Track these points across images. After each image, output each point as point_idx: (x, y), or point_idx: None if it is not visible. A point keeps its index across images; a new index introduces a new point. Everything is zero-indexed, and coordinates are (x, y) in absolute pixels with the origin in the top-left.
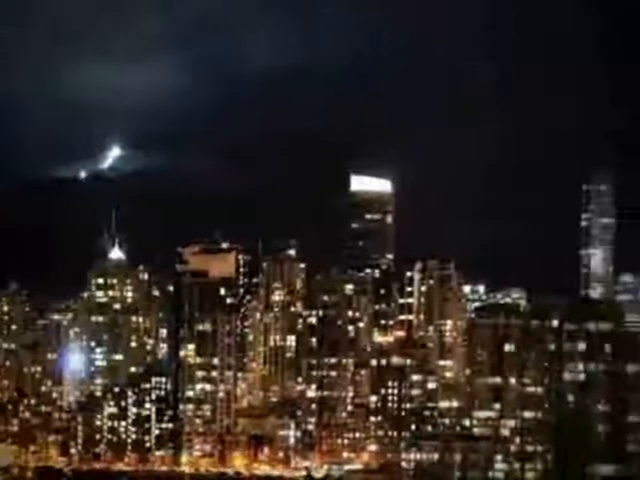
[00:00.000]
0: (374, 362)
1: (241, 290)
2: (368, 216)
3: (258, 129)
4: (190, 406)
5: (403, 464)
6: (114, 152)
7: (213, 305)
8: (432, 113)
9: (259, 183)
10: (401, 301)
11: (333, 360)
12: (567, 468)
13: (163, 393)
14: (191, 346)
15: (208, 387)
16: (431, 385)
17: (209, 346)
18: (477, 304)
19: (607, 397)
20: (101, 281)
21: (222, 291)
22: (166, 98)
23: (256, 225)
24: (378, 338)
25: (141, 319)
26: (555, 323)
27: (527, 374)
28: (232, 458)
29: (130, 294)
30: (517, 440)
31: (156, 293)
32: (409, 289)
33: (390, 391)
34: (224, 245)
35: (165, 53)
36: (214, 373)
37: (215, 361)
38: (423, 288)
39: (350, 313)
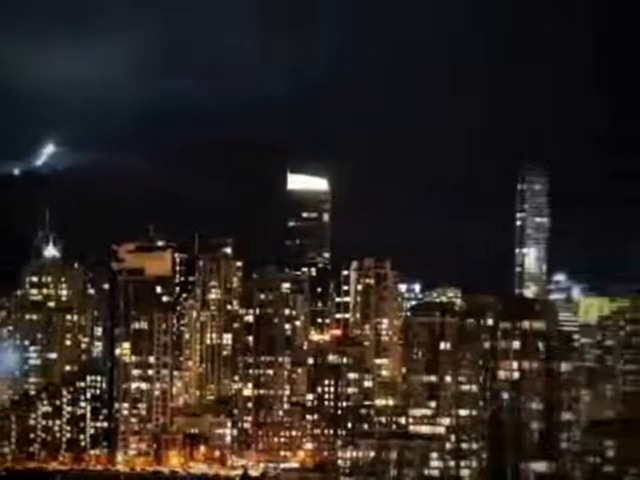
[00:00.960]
0: (311, 360)
1: (177, 288)
2: (305, 214)
3: (196, 128)
4: (125, 405)
5: (339, 462)
6: (48, 149)
7: (149, 303)
8: (368, 113)
9: (196, 182)
10: (337, 300)
11: (269, 358)
12: (502, 466)
13: (98, 392)
14: (127, 344)
15: (144, 386)
16: (367, 383)
17: (145, 344)
18: (413, 303)
19: (541, 395)
20: (35, 279)
21: (158, 289)
22: (100, 95)
23: (193, 223)
24: (315, 336)
25: (76, 317)
26: (490, 322)
27: (462, 372)
28: (168, 457)
29: (65, 292)
30: (452, 438)
31: (91, 291)
32: (345, 288)
33: (326, 389)
34: (160, 243)
35: (99, 48)
36: (150, 371)
37: (151, 359)
38: (359, 287)
39: (287, 311)
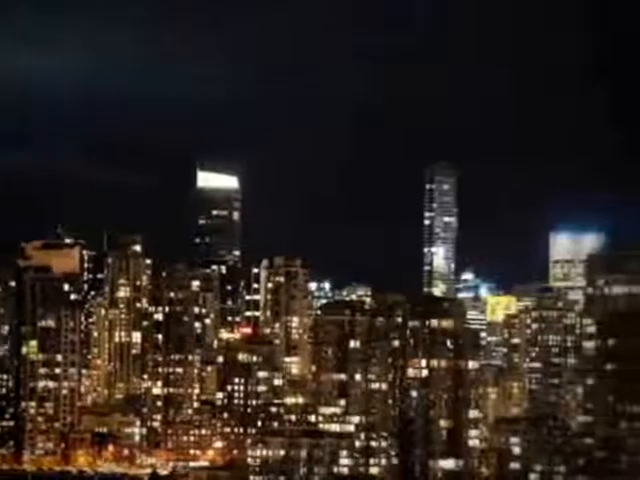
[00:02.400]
0: (220, 359)
1: (85, 286)
2: (215, 212)
3: (102, 126)
4: (32, 403)
5: (249, 461)
6: None
7: (56, 301)
8: (279, 112)
9: (106, 179)
10: (248, 298)
11: (179, 357)
12: (411, 463)
13: (4, 390)
14: (33, 342)
15: (51, 384)
16: (277, 382)
17: (52, 343)
18: (323, 301)
19: (449, 393)
20: None
21: (66, 287)
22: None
23: (101, 220)
24: (225, 335)
25: None
26: (399, 320)
27: (372, 370)
28: (76, 456)
29: None
30: (362, 436)
31: None
32: (256, 286)
33: (236, 388)
34: (67, 240)
35: None
36: (57, 370)
37: (58, 358)
38: (270, 285)
39: (196, 310)
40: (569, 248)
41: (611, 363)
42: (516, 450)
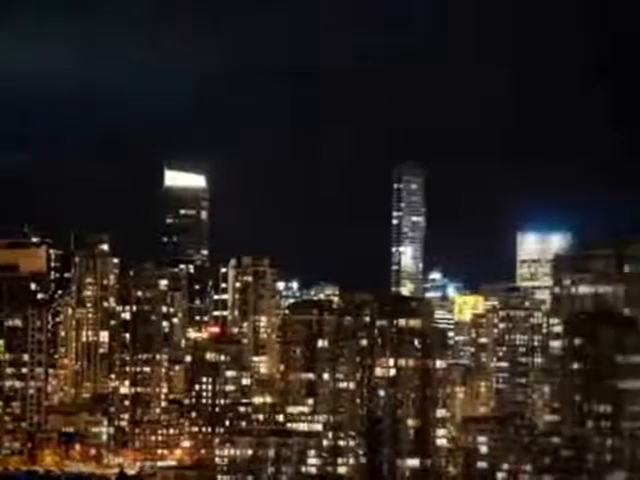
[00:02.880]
0: (188, 358)
1: (52, 285)
2: (182, 211)
3: (69, 125)
4: None
5: (217, 460)
6: None
7: (23, 300)
8: (246, 112)
9: (73, 178)
10: (216, 297)
11: (147, 356)
12: (378, 462)
13: None
14: (0, 342)
15: (18, 384)
16: (245, 381)
17: (19, 342)
18: (291, 300)
19: (417, 392)
20: None
21: (32, 286)
22: None
23: (68, 219)
24: (192, 334)
25: None
26: (367, 319)
27: (340, 370)
28: (43, 456)
29: None
30: (330, 435)
31: None
32: (224, 285)
33: (204, 387)
34: (34, 239)
35: None
36: (24, 369)
37: (25, 357)
38: (238, 284)
39: (164, 309)
40: (536, 248)
41: (578, 362)
42: (483, 449)
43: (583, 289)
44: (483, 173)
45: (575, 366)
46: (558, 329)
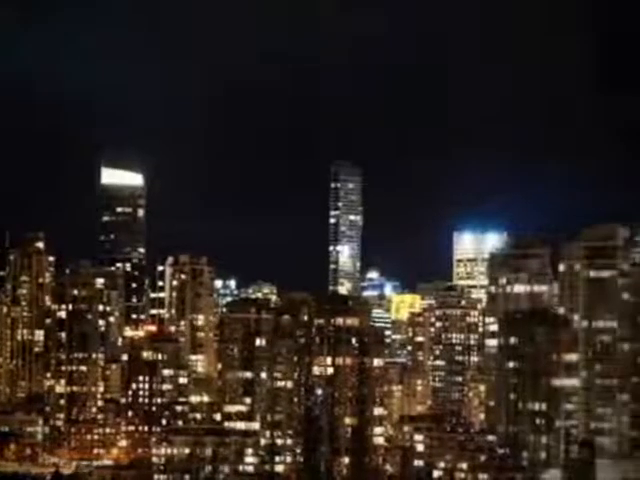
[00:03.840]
0: (125, 357)
1: None
2: (119, 209)
3: (4, 121)
4: None
5: (154, 459)
6: None
7: None
8: (184, 111)
9: (7, 174)
10: (153, 295)
11: (83, 355)
12: (316, 461)
13: None
14: None
15: None
16: (182, 380)
17: None
18: (229, 299)
19: (354, 391)
20: None
21: None
22: None
23: (3, 217)
24: (129, 332)
25: None
26: (305, 318)
27: (277, 368)
28: None
29: None
30: (267, 434)
31: None
32: (161, 283)
33: (141, 386)
34: None
35: None
36: None
37: None
38: (175, 283)
39: (100, 307)
40: (472, 247)
41: (513, 361)
42: (420, 447)
43: (518, 288)
44: (420, 173)
45: (510, 365)
46: (494, 328)
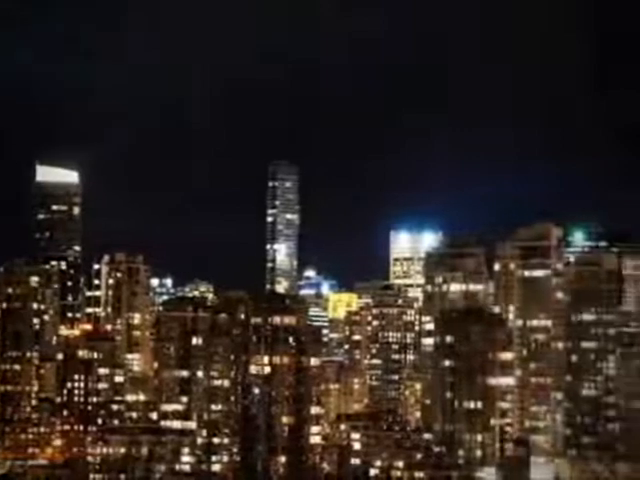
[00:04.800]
0: (60, 356)
1: None
2: (54, 207)
3: None
4: None
5: (89, 458)
6: None
7: None
8: (119, 108)
9: None
10: (88, 294)
11: (17, 353)
12: (253, 460)
13: None
14: None
15: None
16: (118, 379)
17: None
18: (165, 297)
19: (291, 389)
20: None
21: None
22: None
23: None
24: (64, 331)
25: None
26: (242, 317)
27: (214, 367)
28: None
29: None
30: (204, 433)
31: None
32: (97, 282)
33: (76, 385)
34: None
35: None
36: None
37: None
38: (111, 281)
39: (35, 306)
40: (408, 246)
41: (449, 359)
42: (357, 446)
43: (454, 287)
44: (357, 172)
45: (446, 363)
46: (430, 326)
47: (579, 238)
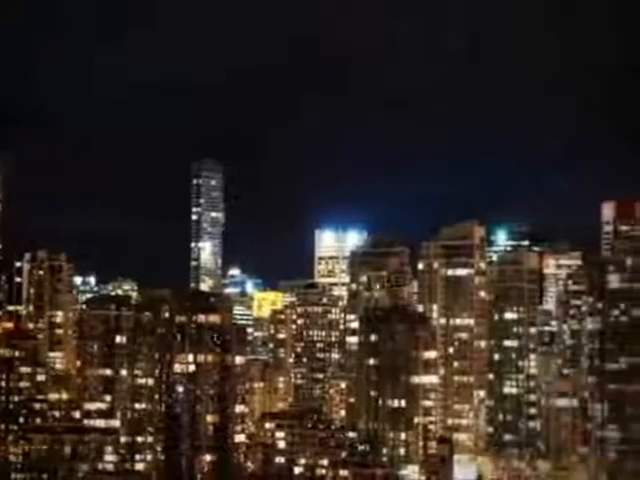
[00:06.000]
0: None
1: None
2: None
3: None
4: None
5: (11, 457)
6: None
7: None
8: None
9: None
10: (10, 292)
11: None
12: (177, 458)
13: None
14: None
15: None
16: (40, 377)
17: None
18: (88, 296)
19: (216, 388)
20: None
21: None
22: None
23: None
24: None
25: None
26: (166, 315)
27: (138, 365)
28: None
29: None
30: (127, 431)
31: None
32: (18, 280)
33: None
34: None
35: None
36: None
37: None
38: (33, 279)
39: None
40: (333, 245)
41: (373, 358)
42: (281, 444)
43: (378, 286)
44: (282, 171)
45: (371, 362)
46: (354, 325)
47: (502, 237)
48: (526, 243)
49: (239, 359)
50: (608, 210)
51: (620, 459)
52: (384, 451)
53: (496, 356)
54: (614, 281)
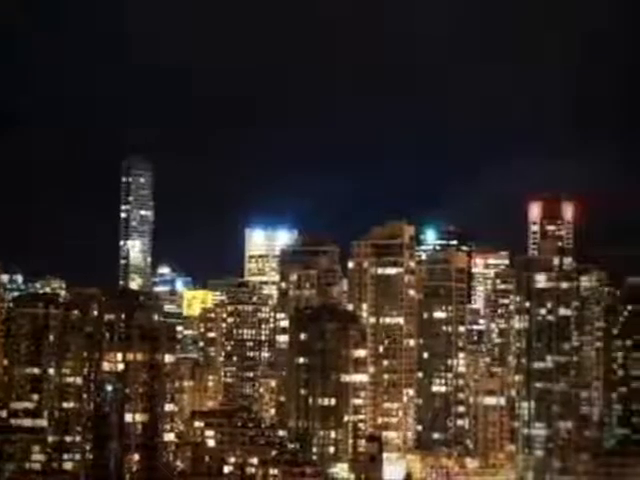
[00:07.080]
0: None
1: None
2: None
3: None
4: None
5: None
6: None
7: None
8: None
9: None
10: None
11: None
12: (106, 458)
13: None
14: None
15: None
16: None
17: None
18: (15, 294)
19: (145, 387)
20: None
21: None
22: None
23: None
24: None
25: None
26: (95, 313)
27: (66, 364)
28: None
29: None
30: (55, 431)
31: None
32: None
33: None
34: None
35: None
36: None
37: None
38: None
39: None
40: (263, 243)
41: (303, 356)
42: (211, 443)
43: (308, 284)
44: (212, 169)
45: (301, 360)
46: (284, 324)
47: (431, 237)
48: (455, 243)
49: (168, 358)
50: (534, 210)
51: (546, 456)
52: (314, 449)
53: (425, 354)
54: (541, 281)
